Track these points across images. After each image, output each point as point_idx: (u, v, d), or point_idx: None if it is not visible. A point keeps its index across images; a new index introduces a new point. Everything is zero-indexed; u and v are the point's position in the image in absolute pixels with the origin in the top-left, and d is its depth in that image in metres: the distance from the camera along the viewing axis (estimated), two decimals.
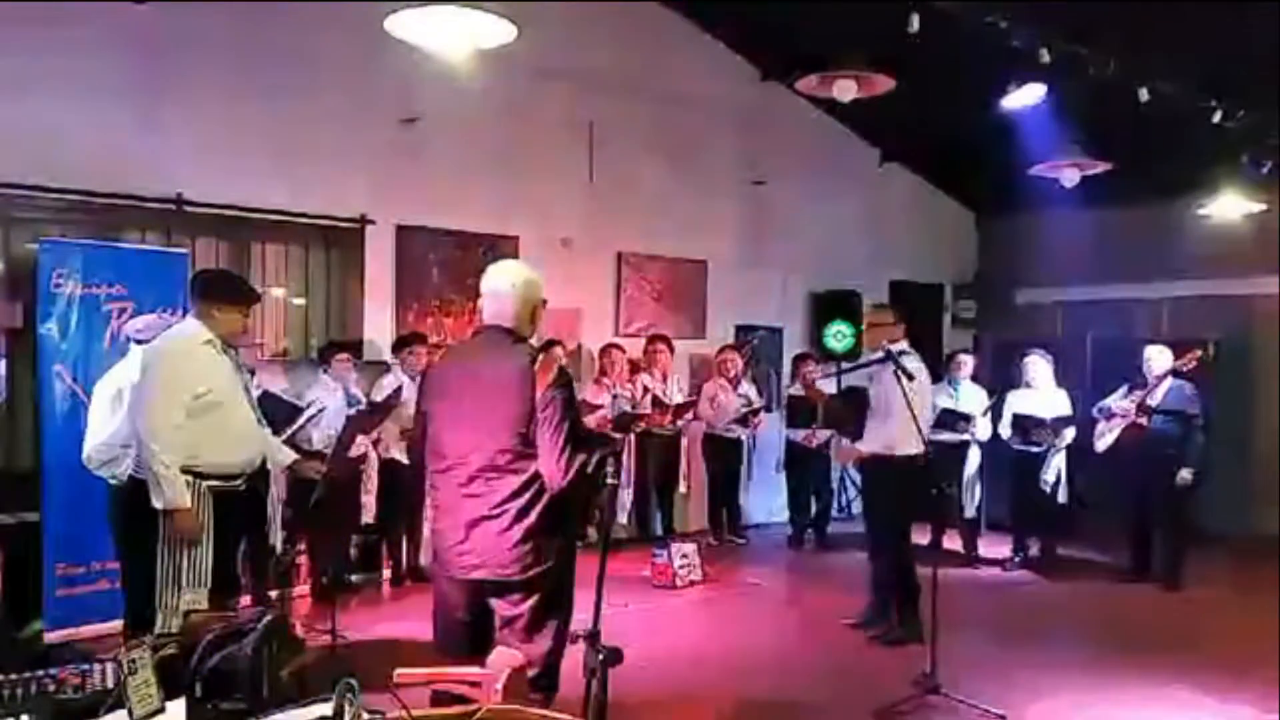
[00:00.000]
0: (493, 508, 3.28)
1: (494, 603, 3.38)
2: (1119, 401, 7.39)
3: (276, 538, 6.44)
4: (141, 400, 4.20)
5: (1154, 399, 7.20)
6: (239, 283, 4.69)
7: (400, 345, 7.29)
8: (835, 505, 9.93)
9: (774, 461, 9.25)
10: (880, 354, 5.47)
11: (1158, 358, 7.25)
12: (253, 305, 4.54)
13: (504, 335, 3.43)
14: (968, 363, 8.18)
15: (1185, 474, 7.08)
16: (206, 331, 4.27)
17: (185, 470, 4.13)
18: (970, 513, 8.07)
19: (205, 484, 4.21)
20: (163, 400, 4.13)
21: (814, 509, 9.16)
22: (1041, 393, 7.66)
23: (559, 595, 3.37)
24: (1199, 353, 7.15)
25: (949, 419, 7.68)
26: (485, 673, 2.96)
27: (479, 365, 3.42)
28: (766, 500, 9.62)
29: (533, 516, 3.27)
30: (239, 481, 4.38)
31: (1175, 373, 7.16)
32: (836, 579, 7.80)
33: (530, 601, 3.33)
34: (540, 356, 3.35)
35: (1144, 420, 7.18)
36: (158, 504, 4.08)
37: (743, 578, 7.60)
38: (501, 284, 3.48)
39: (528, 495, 3.28)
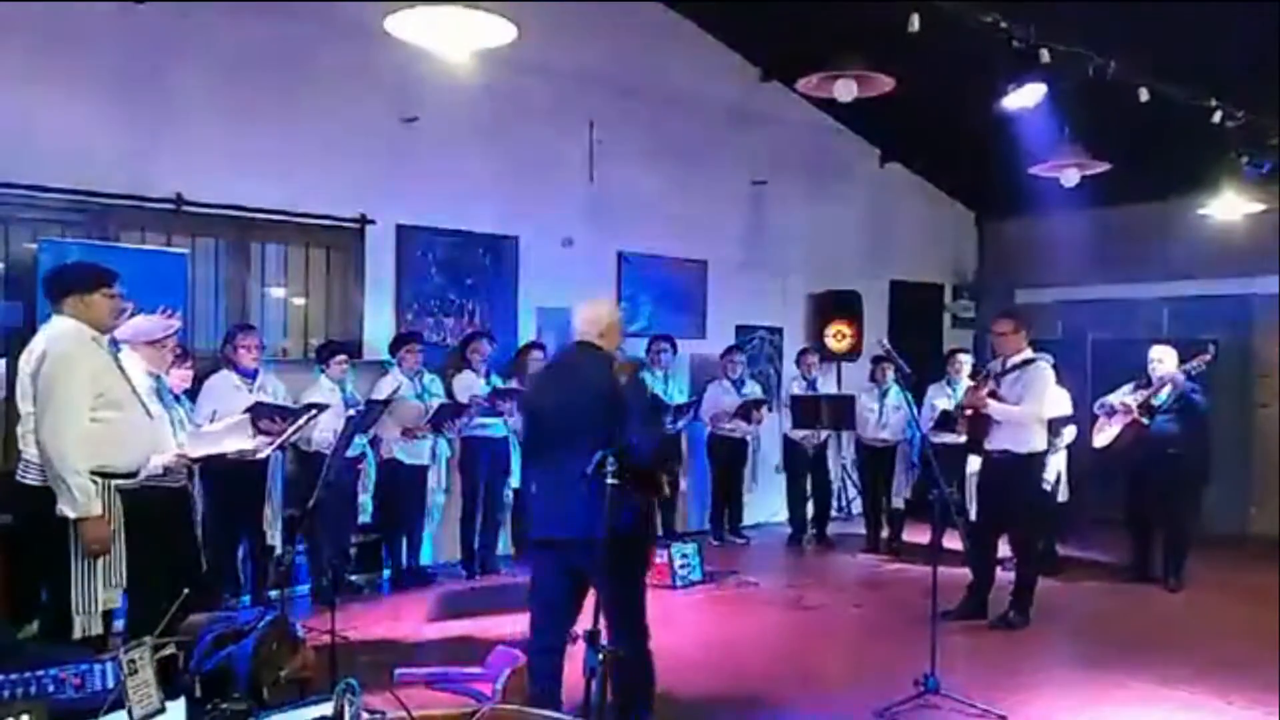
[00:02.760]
0: (580, 480, 3.84)
1: (581, 563, 3.94)
2: (1122, 398, 7.36)
3: (277, 539, 6.44)
4: (44, 410, 4.00)
5: (1158, 399, 7.18)
6: (93, 265, 4.43)
7: (397, 345, 7.29)
8: (835, 505, 9.94)
9: (774, 463, 9.24)
10: (1019, 360, 6.17)
11: (1164, 357, 7.21)
12: (115, 281, 4.28)
13: (588, 347, 4.23)
14: (966, 362, 8.15)
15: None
16: (86, 328, 4.13)
17: (93, 473, 4.02)
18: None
19: (114, 483, 4.11)
20: (67, 408, 3.99)
21: (812, 509, 9.16)
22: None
23: (635, 552, 4.05)
24: (1208, 355, 7.11)
25: (949, 420, 7.67)
26: (486, 672, 2.98)
27: (571, 369, 4.32)
28: (767, 500, 9.61)
29: (610, 488, 3.81)
30: (140, 480, 4.28)
31: (1186, 375, 7.12)
32: (837, 579, 7.81)
33: (609, 558, 3.82)
34: (616, 360, 4.24)
35: (1146, 420, 7.17)
36: (69, 513, 3.94)
37: (743, 578, 7.59)
38: (584, 312, 4.35)
39: (607, 470, 3.79)
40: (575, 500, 3.90)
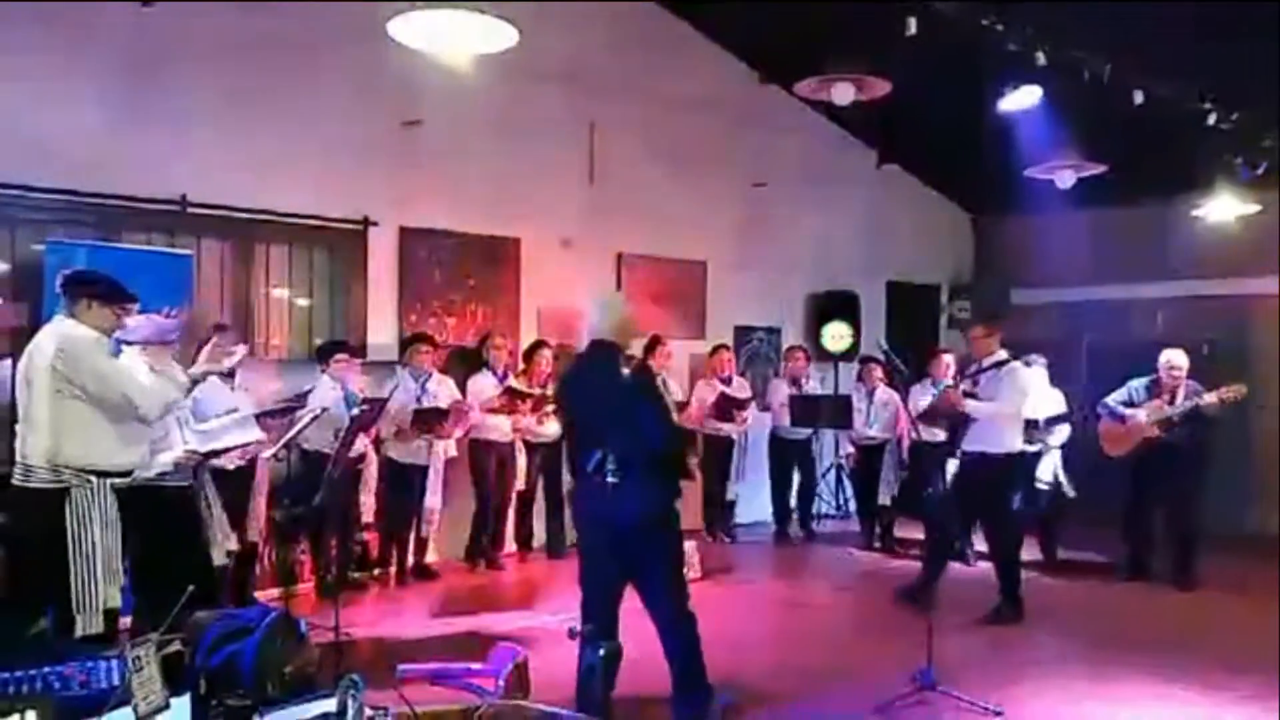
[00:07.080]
0: (595, 471, 4.13)
1: (617, 553, 4.21)
2: (1135, 403, 7.24)
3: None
4: (57, 408, 4.13)
5: (1174, 410, 7.04)
6: (121, 286, 4.50)
7: (407, 347, 7.34)
8: (834, 503, 9.97)
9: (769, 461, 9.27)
10: (991, 362, 6.22)
11: (1176, 361, 7.10)
12: (129, 306, 4.44)
13: (601, 345, 4.32)
14: (950, 362, 8.14)
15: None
16: (90, 330, 4.22)
17: (89, 471, 4.13)
18: None
19: (110, 482, 4.20)
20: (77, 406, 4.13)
21: (798, 504, 9.24)
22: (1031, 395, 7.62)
23: (665, 540, 4.36)
24: (1244, 389, 6.92)
25: (933, 415, 7.65)
26: (489, 668, 3.02)
27: (588, 369, 4.44)
28: (762, 499, 9.65)
29: (610, 485, 4.11)
30: (148, 477, 4.45)
31: (1213, 398, 6.94)
32: (832, 576, 7.84)
33: (641, 547, 4.22)
34: (633, 359, 4.34)
35: (1166, 435, 7.06)
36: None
37: (739, 576, 7.64)
38: (596, 310, 4.42)
39: (607, 469, 4.04)
40: (605, 493, 4.13)
